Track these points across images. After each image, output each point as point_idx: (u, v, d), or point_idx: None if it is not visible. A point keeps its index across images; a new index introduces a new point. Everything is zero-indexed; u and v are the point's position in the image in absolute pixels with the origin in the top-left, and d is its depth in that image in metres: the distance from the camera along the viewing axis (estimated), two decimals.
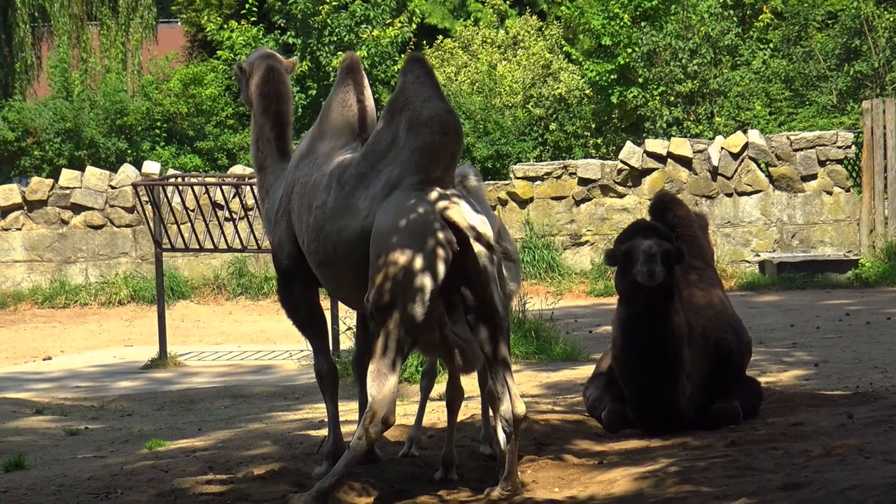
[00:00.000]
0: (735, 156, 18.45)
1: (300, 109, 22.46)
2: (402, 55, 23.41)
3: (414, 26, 24.27)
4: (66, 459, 7.53)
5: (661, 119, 21.65)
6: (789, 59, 22.69)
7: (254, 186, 11.38)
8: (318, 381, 6.31)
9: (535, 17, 26.44)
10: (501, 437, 5.69)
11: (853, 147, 18.51)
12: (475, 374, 6.12)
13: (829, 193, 18.44)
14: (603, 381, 7.25)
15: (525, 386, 9.23)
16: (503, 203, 18.66)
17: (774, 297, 16.42)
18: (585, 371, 9.06)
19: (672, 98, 21.81)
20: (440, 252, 5.44)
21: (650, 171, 18.58)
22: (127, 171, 19.06)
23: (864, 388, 8.46)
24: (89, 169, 19.47)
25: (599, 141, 22.42)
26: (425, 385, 6.71)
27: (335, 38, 23.15)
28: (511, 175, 18.95)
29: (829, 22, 23.42)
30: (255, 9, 23.87)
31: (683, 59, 21.70)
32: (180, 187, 13.86)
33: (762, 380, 8.21)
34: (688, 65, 21.68)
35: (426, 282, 5.42)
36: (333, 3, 23.11)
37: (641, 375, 6.75)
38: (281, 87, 6.59)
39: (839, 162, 18.48)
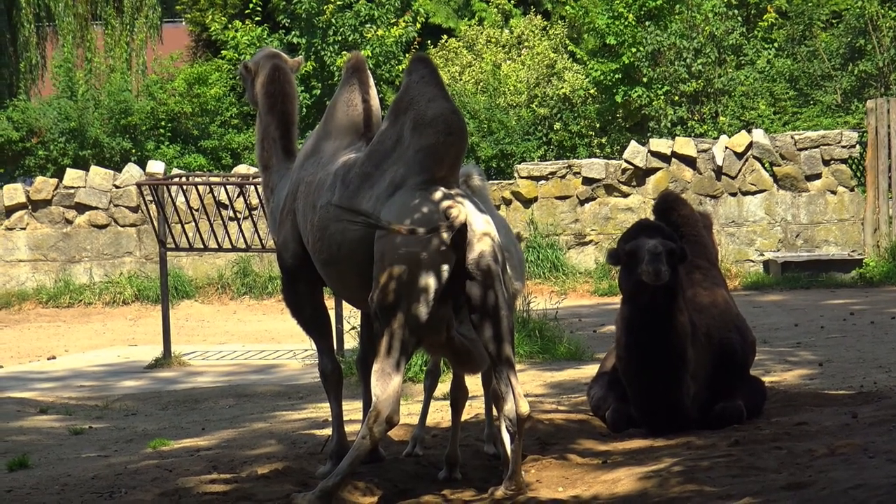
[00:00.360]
0: (739, 155, 18.43)
1: (304, 109, 22.44)
2: (407, 55, 23.41)
3: (418, 26, 24.25)
4: (70, 459, 7.54)
5: (665, 118, 21.63)
6: (794, 59, 22.66)
7: (258, 186, 11.38)
8: (322, 381, 6.32)
9: (539, 16, 26.43)
10: (505, 436, 5.69)
11: (857, 146, 18.49)
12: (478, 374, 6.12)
13: (834, 193, 18.42)
14: (607, 380, 7.25)
15: (529, 385, 9.23)
16: (507, 202, 18.66)
17: (778, 296, 16.40)
18: (589, 370, 9.06)
19: (676, 97, 21.79)
20: (444, 252, 5.44)
21: (654, 170, 18.57)
22: (131, 171, 19.07)
23: (868, 388, 8.46)
24: (93, 168, 19.49)
25: (604, 140, 22.40)
26: (429, 384, 6.70)
27: (340, 38, 23.15)
28: (515, 174, 18.94)
29: (833, 21, 23.39)
30: (259, 8, 23.86)
31: (688, 59, 21.68)
32: (184, 187, 13.86)
33: (766, 379, 8.21)
34: (692, 64, 21.65)
35: (430, 282, 5.42)
36: (338, 3, 23.10)
37: (645, 375, 6.74)
38: (286, 86, 6.60)
39: (843, 161, 18.47)
